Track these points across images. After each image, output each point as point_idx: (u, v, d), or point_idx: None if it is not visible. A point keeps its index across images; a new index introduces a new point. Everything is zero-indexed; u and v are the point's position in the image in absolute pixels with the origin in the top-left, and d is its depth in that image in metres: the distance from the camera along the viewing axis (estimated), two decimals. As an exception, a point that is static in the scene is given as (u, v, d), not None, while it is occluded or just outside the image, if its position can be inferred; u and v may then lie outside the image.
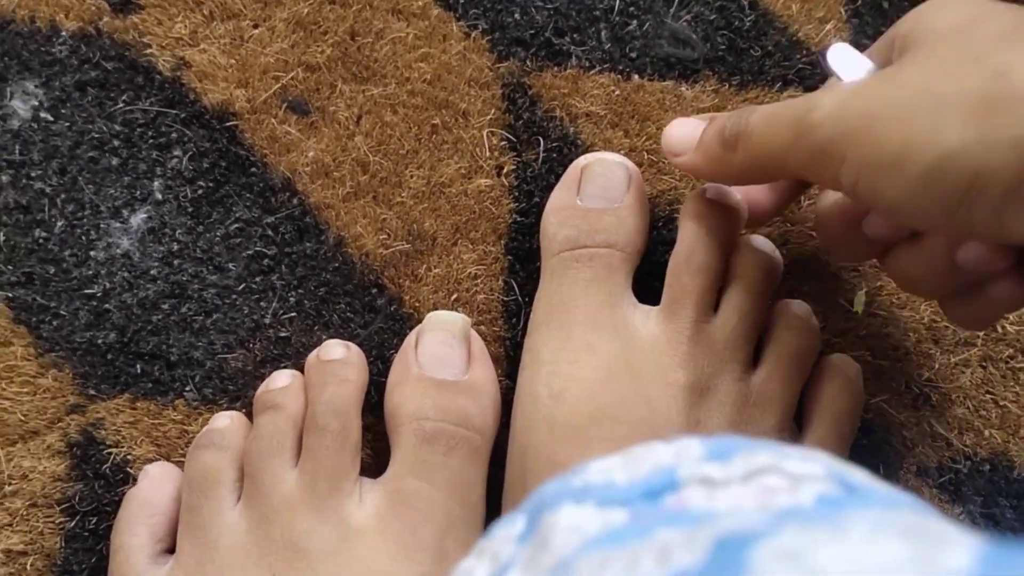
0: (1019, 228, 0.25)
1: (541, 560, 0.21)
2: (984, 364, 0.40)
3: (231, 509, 0.34)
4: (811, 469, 0.21)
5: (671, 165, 0.40)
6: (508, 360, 0.39)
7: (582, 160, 0.39)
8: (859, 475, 0.22)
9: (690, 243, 0.36)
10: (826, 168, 0.28)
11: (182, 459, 0.37)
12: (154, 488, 0.36)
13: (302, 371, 0.38)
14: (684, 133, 0.35)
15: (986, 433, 0.39)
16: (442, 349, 0.37)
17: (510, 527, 0.24)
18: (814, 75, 0.42)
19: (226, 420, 0.37)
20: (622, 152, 0.41)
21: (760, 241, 0.37)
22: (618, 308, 0.36)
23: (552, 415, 0.34)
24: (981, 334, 0.39)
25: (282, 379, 0.37)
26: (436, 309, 0.39)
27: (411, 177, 0.41)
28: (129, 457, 0.37)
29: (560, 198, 0.38)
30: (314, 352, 0.37)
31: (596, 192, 0.38)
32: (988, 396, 0.39)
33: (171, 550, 0.35)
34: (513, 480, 0.35)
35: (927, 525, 0.17)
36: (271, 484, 0.34)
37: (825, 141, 0.28)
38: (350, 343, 0.37)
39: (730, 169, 0.32)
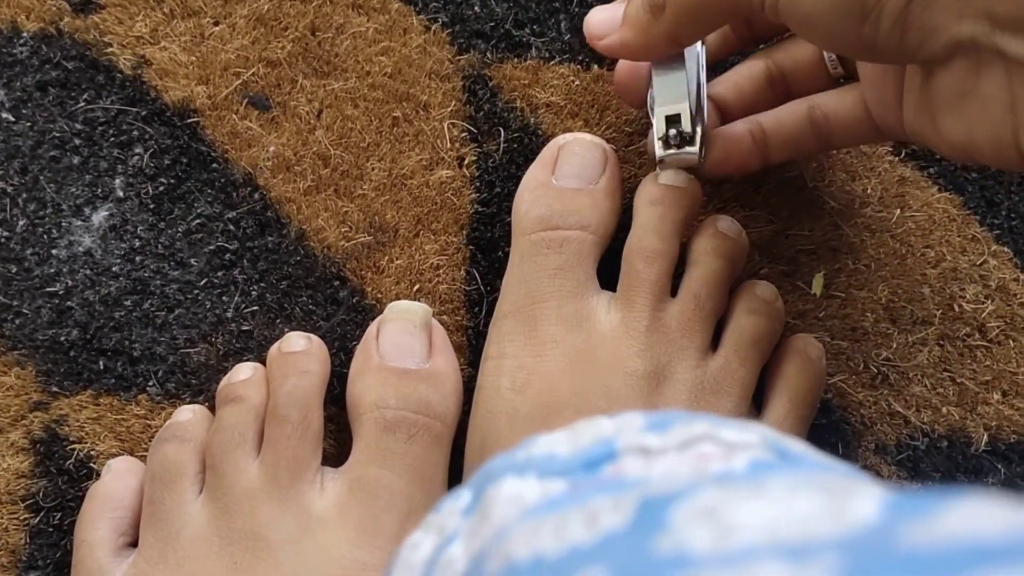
0: (913, 42, 0.26)
1: (481, 530, 0.21)
2: (941, 343, 0.40)
3: (193, 501, 0.35)
4: (746, 438, 0.21)
5: (630, 152, 0.40)
6: (471, 349, 0.39)
7: (560, 139, 0.39)
8: (795, 444, 0.22)
9: (643, 230, 0.36)
10: None
11: (145, 454, 0.37)
12: (117, 482, 0.36)
13: (264, 364, 0.38)
14: (605, 16, 0.35)
15: (943, 410, 0.39)
16: (403, 338, 0.37)
17: (456, 501, 0.24)
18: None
19: (188, 414, 0.37)
20: (582, 141, 0.41)
21: (724, 224, 0.37)
22: (583, 298, 0.36)
23: (514, 407, 0.34)
24: (938, 312, 0.40)
25: (244, 372, 0.37)
26: (398, 300, 0.39)
27: (372, 170, 0.41)
28: (92, 453, 0.37)
29: (535, 176, 0.38)
30: (276, 344, 0.38)
31: (572, 172, 0.38)
32: (945, 374, 0.40)
33: (134, 544, 0.35)
34: (471, 469, 0.35)
35: (843, 482, 0.17)
36: (233, 475, 0.34)
37: None
38: (311, 335, 0.38)
39: (660, 31, 0.32)
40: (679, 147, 0.35)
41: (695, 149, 0.35)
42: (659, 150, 0.36)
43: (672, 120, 0.35)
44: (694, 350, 0.35)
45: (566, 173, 0.38)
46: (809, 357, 0.37)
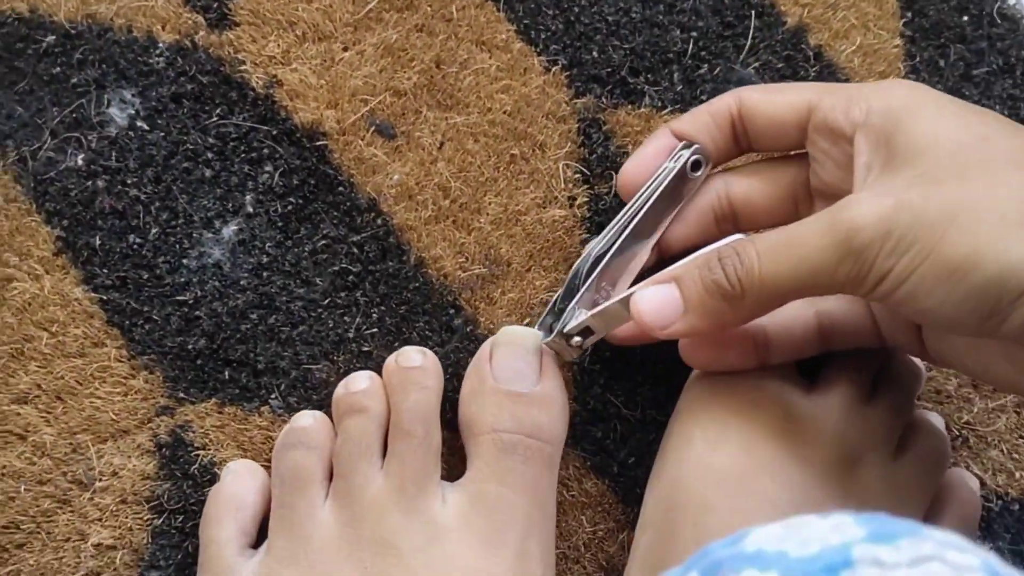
0: None
1: None
2: (1019, 410, 0.42)
3: (321, 507, 0.37)
4: (971, 561, 0.23)
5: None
6: (576, 384, 0.41)
7: None
8: (1013, 572, 0.24)
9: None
10: (863, 276, 0.29)
11: (265, 464, 0.39)
12: (239, 484, 0.38)
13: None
14: (657, 301, 0.33)
15: (1017, 475, 0.42)
16: (516, 363, 0.39)
17: None
18: (872, 127, 0.45)
19: (310, 419, 0.38)
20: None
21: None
22: (784, 372, 0.38)
23: (707, 460, 0.36)
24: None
25: (362, 381, 0.39)
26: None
27: (489, 204, 0.43)
28: (216, 459, 0.39)
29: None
30: (392, 357, 0.39)
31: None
32: (1021, 440, 0.42)
33: (254, 544, 0.37)
34: (656, 511, 0.37)
35: None
36: (361, 484, 0.36)
37: (867, 248, 0.29)
38: (426, 350, 0.39)
39: (737, 317, 0.32)
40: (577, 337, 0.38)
41: (573, 350, 0.39)
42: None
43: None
44: (886, 449, 0.37)
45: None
46: (973, 489, 0.40)
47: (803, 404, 0.37)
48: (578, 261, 0.39)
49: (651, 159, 0.38)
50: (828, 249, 0.30)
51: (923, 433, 0.39)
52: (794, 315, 0.37)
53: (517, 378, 0.38)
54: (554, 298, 0.40)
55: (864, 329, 0.37)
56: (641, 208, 0.38)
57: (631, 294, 0.34)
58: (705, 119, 0.38)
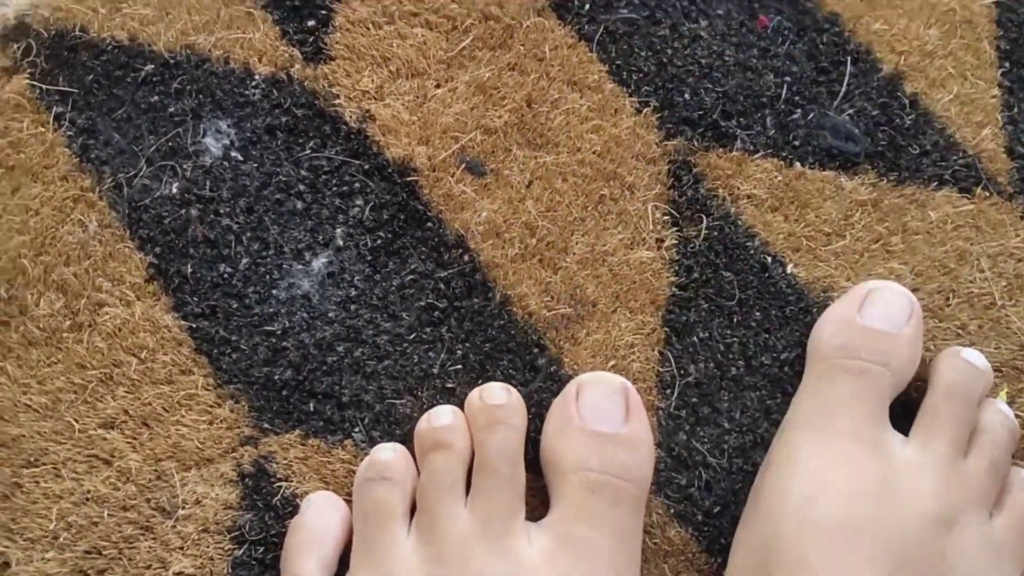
0: None
1: None
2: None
3: (404, 542, 0.36)
4: None
5: (827, 252, 0.41)
6: (661, 430, 0.40)
7: (869, 283, 0.41)
8: None
9: (951, 380, 0.38)
10: None
11: (347, 497, 0.39)
12: (320, 517, 0.38)
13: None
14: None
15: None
16: (603, 403, 0.38)
17: None
18: (968, 177, 0.44)
19: (391, 452, 0.38)
20: (780, 236, 0.42)
21: (1005, 407, 0.39)
22: (880, 427, 0.37)
23: (803, 515, 0.35)
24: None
25: (445, 417, 0.38)
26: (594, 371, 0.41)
27: (576, 243, 0.42)
28: (298, 491, 0.39)
29: (840, 311, 0.40)
30: (475, 392, 0.39)
31: (879, 315, 0.39)
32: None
33: (334, 578, 0.37)
34: (747, 564, 0.36)
35: None
36: (447, 521, 0.36)
37: None
38: (510, 387, 0.39)
39: None
40: None
41: None
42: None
43: None
44: (984, 507, 0.36)
45: (872, 315, 0.39)
46: None
47: (900, 458, 0.36)
48: None
49: None
50: None
51: (1020, 490, 0.38)
52: None
53: (604, 418, 0.38)
54: None
55: None
56: None
57: None
58: None
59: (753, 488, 0.38)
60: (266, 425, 0.39)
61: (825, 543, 0.34)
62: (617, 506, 0.36)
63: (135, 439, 0.39)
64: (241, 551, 0.38)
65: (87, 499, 0.38)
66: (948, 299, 0.42)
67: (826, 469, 0.36)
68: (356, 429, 0.40)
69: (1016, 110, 0.45)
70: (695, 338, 0.41)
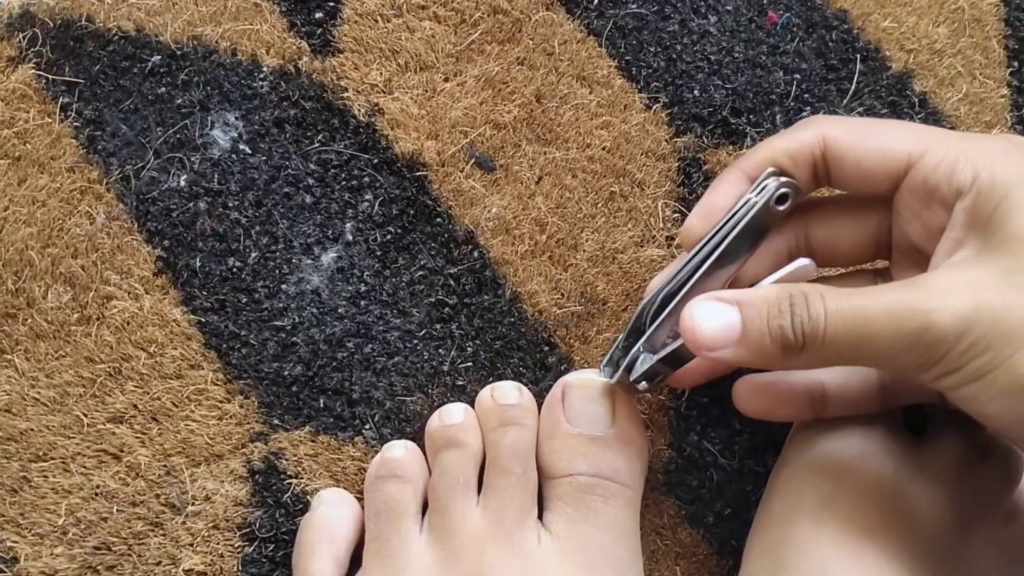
0: None
1: None
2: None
3: (416, 540, 0.36)
4: None
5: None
6: (671, 429, 0.41)
7: None
8: None
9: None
10: (928, 367, 0.29)
11: (357, 494, 0.39)
12: (332, 514, 0.38)
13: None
14: (715, 321, 0.31)
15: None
16: (588, 405, 0.38)
17: None
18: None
19: (402, 450, 0.38)
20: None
21: None
22: (896, 427, 0.37)
23: (819, 517, 0.35)
24: None
25: (456, 415, 0.38)
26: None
27: (586, 241, 0.42)
28: (308, 488, 0.39)
29: None
30: (486, 391, 0.39)
31: None
32: None
33: (347, 575, 0.37)
34: (761, 566, 0.36)
35: None
36: (459, 519, 0.36)
37: (939, 344, 0.28)
38: (521, 386, 0.39)
39: (787, 364, 0.31)
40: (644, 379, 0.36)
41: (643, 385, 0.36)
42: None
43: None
44: (999, 512, 0.36)
45: None
46: None
47: (914, 460, 0.36)
48: (644, 300, 0.37)
49: (722, 212, 0.35)
50: (898, 336, 0.28)
51: None
52: (856, 375, 0.36)
53: (590, 421, 0.38)
54: (616, 339, 0.38)
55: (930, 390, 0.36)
56: (718, 245, 0.35)
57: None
58: (784, 162, 0.35)
59: (766, 490, 0.38)
60: (276, 421, 0.39)
61: (840, 547, 0.34)
62: (611, 505, 0.37)
63: (144, 434, 0.39)
64: (251, 548, 0.38)
65: (96, 494, 0.38)
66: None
67: (841, 471, 0.36)
68: (367, 426, 0.40)
69: None
70: (704, 336, 0.41)
